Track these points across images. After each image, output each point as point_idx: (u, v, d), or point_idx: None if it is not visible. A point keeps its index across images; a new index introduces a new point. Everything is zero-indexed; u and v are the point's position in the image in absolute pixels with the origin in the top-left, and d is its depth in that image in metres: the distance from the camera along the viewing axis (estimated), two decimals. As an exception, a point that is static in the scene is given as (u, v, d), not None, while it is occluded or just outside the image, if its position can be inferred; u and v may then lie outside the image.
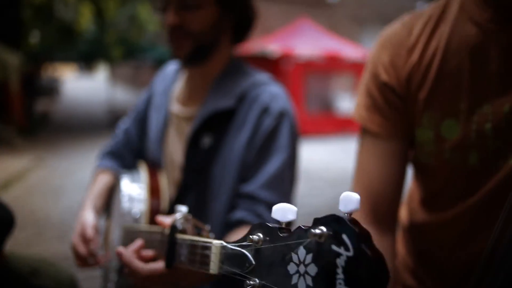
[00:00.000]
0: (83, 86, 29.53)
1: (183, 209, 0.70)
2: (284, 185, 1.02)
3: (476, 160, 0.68)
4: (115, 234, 1.13)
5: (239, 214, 0.97)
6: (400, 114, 0.77)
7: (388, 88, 0.77)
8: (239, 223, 0.97)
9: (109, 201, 1.23)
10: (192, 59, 1.07)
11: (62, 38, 11.10)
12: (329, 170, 6.95)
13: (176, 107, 1.16)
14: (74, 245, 1.07)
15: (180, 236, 0.66)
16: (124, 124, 1.34)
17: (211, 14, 1.03)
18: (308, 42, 9.80)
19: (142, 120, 1.28)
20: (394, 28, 0.80)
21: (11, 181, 6.26)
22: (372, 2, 14.66)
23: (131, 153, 1.29)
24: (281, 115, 1.02)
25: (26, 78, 10.95)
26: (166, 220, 0.73)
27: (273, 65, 9.27)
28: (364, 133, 0.81)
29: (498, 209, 0.60)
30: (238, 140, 1.02)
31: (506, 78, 0.65)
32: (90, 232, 1.06)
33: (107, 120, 12.26)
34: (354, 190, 0.80)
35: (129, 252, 0.74)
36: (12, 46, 10.25)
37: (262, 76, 1.10)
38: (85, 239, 1.06)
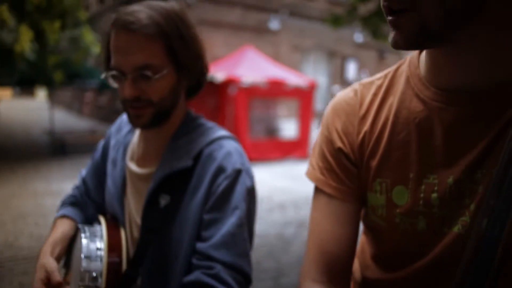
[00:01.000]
0: (21, 107, 28.15)
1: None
2: (240, 244, 1.02)
3: (424, 226, 0.72)
4: None
5: (195, 274, 0.98)
6: (354, 179, 0.80)
7: (342, 154, 0.81)
8: (196, 284, 0.97)
9: (68, 252, 1.18)
10: (152, 125, 1.06)
11: (0, 61, 10.66)
12: (275, 195, 7.09)
13: (133, 165, 1.15)
14: None
15: None
16: (84, 172, 1.31)
17: (170, 80, 1.03)
18: (252, 68, 10.07)
19: (99, 171, 1.26)
20: (347, 96, 0.84)
21: None
22: (313, 32, 15.33)
23: (91, 203, 1.26)
24: (236, 173, 1.03)
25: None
26: None
27: (219, 90, 9.43)
28: (318, 193, 0.83)
29: (446, 272, 0.66)
30: (195, 199, 1.03)
31: (449, 153, 0.69)
32: (57, 276, 1.00)
33: (47, 146, 11.78)
34: (308, 248, 0.83)
35: None
36: None
37: (217, 132, 1.11)
38: (53, 285, 1.00)
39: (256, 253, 4.42)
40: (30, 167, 9.16)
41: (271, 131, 11.06)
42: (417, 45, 0.66)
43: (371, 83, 0.83)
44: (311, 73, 15.64)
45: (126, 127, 1.23)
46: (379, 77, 0.83)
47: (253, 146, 9.81)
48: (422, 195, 0.71)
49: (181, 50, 1.02)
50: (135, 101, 1.01)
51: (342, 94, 0.86)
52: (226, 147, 1.06)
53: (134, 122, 1.05)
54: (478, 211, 0.65)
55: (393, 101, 0.77)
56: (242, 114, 9.60)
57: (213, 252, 0.98)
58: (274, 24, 14.45)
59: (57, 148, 11.12)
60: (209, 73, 1.15)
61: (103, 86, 12.33)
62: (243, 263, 1.01)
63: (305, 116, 10.58)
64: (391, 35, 0.64)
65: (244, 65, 10.11)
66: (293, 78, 10.54)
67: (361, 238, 0.91)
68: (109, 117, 16.14)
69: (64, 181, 7.68)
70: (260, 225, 5.37)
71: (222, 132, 1.12)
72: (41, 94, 31.49)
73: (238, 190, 1.02)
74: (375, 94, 0.80)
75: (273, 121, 11.23)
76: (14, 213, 5.87)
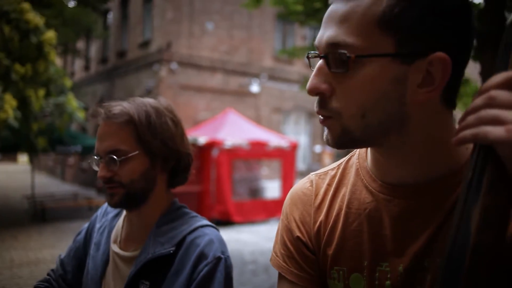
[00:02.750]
0: (2, 171, 27.71)
1: None
2: None
3: None
4: None
5: None
6: (314, 266, 0.82)
7: (301, 243, 0.83)
8: None
9: None
10: (125, 205, 1.14)
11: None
12: (260, 257, 7.01)
13: (116, 247, 1.19)
14: None
15: None
16: (63, 254, 1.34)
17: (140, 164, 1.10)
18: (234, 131, 10.30)
19: (79, 254, 1.29)
20: (303, 186, 0.88)
21: None
22: (292, 94, 15.85)
23: None
24: (217, 261, 1.07)
25: None
26: None
27: (202, 152, 9.56)
28: (282, 279, 0.85)
29: None
30: (175, 285, 1.05)
31: (398, 242, 0.72)
32: None
33: (27, 212, 11.52)
34: None
35: None
36: None
37: (199, 221, 1.15)
38: None
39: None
40: (7, 235, 8.85)
41: (255, 192, 11.08)
42: (343, 146, 0.71)
43: (326, 173, 0.86)
44: (292, 134, 15.99)
45: (113, 211, 1.29)
46: (332, 168, 0.87)
47: (237, 208, 9.79)
48: (377, 282, 0.73)
49: (147, 137, 1.10)
50: (108, 182, 1.10)
51: (299, 185, 0.89)
52: (209, 235, 1.11)
53: (108, 200, 1.13)
54: None
55: (345, 191, 0.80)
56: (225, 175, 9.68)
57: None
58: (254, 87, 14.95)
59: (37, 213, 10.89)
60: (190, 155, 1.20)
61: (86, 151, 12.36)
62: None
63: (288, 176, 10.70)
64: (324, 133, 0.71)
65: (226, 128, 10.34)
66: (274, 139, 10.77)
67: None
68: (91, 182, 16.00)
69: (43, 249, 7.49)
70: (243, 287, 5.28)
71: (204, 221, 1.17)
72: (24, 159, 31.22)
73: (217, 278, 1.05)
74: (329, 184, 0.84)
75: (256, 182, 11.30)
76: (-11, 284, 5.67)
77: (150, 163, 1.12)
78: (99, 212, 1.33)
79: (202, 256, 1.06)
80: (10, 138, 11.19)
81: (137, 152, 1.10)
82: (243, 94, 14.94)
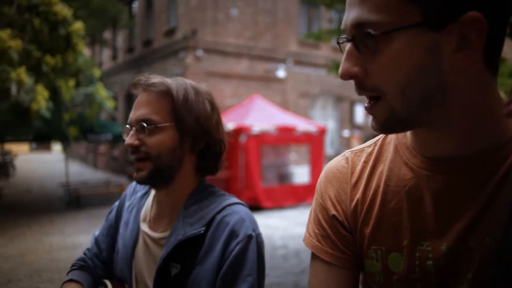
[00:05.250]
0: (38, 161, 28.71)
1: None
2: None
3: None
4: None
5: None
6: (350, 246, 0.80)
7: (337, 221, 0.81)
8: None
9: None
10: (151, 182, 1.12)
11: (18, 119, 11.03)
12: (290, 242, 7.02)
13: (145, 227, 1.19)
14: None
15: None
16: (97, 232, 1.36)
17: (169, 138, 1.09)
18: (261, 116, 10.27)
19: (112, 232, 1.31)
20: (339, 163, 0.85)
21: (-44, 271, 5.93)
22: (319, 78, 15.66)
23: (101, 266, 1.30)
24: (249, 239, 1.05)
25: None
26: None
27: (229, 138, 9.58)
28: (315, 259, 0.83)
29: None
30: (206, 265, 1.05)
31: (440, 221, 0.69)
32: None
33: (62, 199, 11.93)
34: None
35: None
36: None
37: (228, 199, 1.14)
38: None
39: (271, 304, 4.36)
40: (45, 221, 9.26)
41: (283, 177, 11.08)
42: (390, 129, 0.69)
43: (361, 150, 0.84)
44: (320, 119, 15.84)
45: (141, 190, 1.29)
46: (368, 145, 0.84)
47: (266, 193, 9.81)
48: (417, 262, 0.71)
49: (182, 111, 1.10)
50: (135, 151, 1.10)
51: (334, 162, 0.87)
52: (238, 212, 1.10)
53: (136, 176, 1.12)
54: (476, 281, 0.66)
55: (383, 168, 0.78)
56: (254, 161, 9.69)
57: None
58: (280, 73, 14.84)
59: (72, 201, 11.26)
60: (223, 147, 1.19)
61: (117, 139, 12.62)
62: None
63: (317, 161, 10.63)
64: (369, 120, 0.70)
65: (253, 114, 10.32)
66: (302, 124, 10.68)
67: None
68: (122, 169, 16.35)
69: (79, 234, 7.73)
70: (276, 274, 5.31)
71: (233, 199, 1.15)
72: (57, 148, 32.17)
73: (250, 257, 1.04)
74: (365, 162, 0.81)
75: (284, 167, 11.28)
76: (29, 269, 5.90)
77: (180, 140, 1.11)
78: (128, 190, 1.34)
79: (233, 235, 1.05)
80: (43, 128, 11.54)
81: (168, 124, 1.10)
82: (269, 79, 14.86)
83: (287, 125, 10.24)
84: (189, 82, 1.16)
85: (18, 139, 12.00)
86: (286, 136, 10.23)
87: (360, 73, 0.65)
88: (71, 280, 1.22)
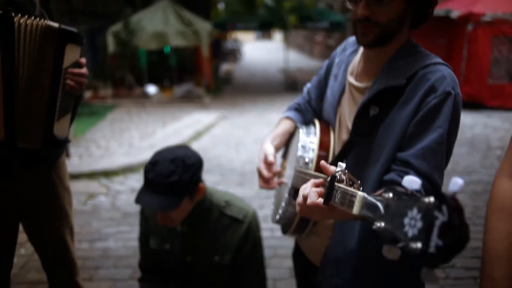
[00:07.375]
0: (260, 48, 31.59)
1: (342, 165, 0.92)
2: (437, 159, 1.08)
3: None
4: (288, 172, 1.42)
5: (391, 175, 1.10)
6: None
7: None
8: (389, 182, 1.08)
9: (287, 144, 1.51)
10: (374, 45, 1.16)
11: (244, 8, 12.16)
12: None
13: (352, 79, 1.29)
14: (259, 170, 1.35)
15: (337, 184, 0.88)
16: (309, 85, 1.56)
17: (397, 7, 1.10)
18: (495, 0, 8.75)
19: (321, 85, 1.48)
20: None
21: (201, 133, 7.41)
22: None
23: (311, 111, 1.51)
24: (446, 95, 1.08)
25: (214, 44, 12.35)
26: (330, 168, 0.97)
27: (454, 27, 8.61)
28: None
29: None
30: (403, 113, 1.11)
31: None
32: (271, 158, 1.33)
33: (281, 83, 13.17)
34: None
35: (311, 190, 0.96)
36: (203, 16, 11.61)
37: (433, 59, 1.15)
38: (268, 164, 1.34)
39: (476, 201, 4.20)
40: (267, 100, 10.71)
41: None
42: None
43: None
44: None
45: (350, 48, 1.38)
46: None
47: (492, 91, 8.74)
48: None
49: None
50: (365, 21, 1.12)
51: None
52: (442, 71, 1.11)
53: (360, 39, 1.17)
54: None
55: None
56: (481, 53, 8.58)
57: (411, 160, 1.08)
58: None
59: (289, 84, 12.34)
60: (438, 7, 1.16)
61: (333, 27, 12.72)
62: (436, 176, 1.08)
63: None
64: None
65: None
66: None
67: None
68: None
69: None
70: (491, 173, 4.98)
71: (438, 59, 1.16)
72: (277, 37, 34.40)
73: (444, 111, 1.08)
74: None
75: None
76: (253, 137, 7.09)
77: (406, 5, 1.11)
78: (339, 49, 1.45)
79: (431, 90, 1.08)
80: (266, 16, 12.43)
81: None
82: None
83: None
84: None
85: (246, 26, 13.28)
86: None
87: None
88: (286, 117, 1.52)
